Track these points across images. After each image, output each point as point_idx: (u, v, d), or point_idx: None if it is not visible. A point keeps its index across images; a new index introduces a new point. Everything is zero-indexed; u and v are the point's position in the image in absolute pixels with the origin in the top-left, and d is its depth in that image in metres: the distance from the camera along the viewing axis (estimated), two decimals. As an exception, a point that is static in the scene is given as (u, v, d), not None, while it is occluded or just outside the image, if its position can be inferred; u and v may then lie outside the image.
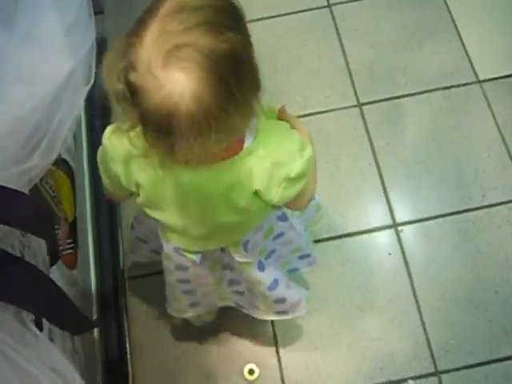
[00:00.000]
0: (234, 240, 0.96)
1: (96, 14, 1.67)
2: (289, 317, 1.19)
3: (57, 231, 1.20)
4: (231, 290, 1.15)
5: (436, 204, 1.49)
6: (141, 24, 0.66)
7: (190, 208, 0.86)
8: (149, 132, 0.69)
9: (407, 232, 1.46)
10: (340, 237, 1.46)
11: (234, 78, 0.65)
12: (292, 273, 1.24)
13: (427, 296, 1.40)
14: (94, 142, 1.53)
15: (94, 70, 0.90)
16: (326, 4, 1.74)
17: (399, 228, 1.46)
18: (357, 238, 1.46)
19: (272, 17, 1.73)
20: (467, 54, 1.67)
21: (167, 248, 0.98)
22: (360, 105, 1.61)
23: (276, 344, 1.36)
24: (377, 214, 1.49)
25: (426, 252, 1.45)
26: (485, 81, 1.63)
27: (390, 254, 1.44)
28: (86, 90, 0.89)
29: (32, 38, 0.81)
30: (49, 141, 0.80)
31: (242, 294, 1.15)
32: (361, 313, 1.38)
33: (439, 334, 1.36)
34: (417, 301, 1.39)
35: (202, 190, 0.83)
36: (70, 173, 1.33)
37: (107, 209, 1.49)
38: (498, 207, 1.48)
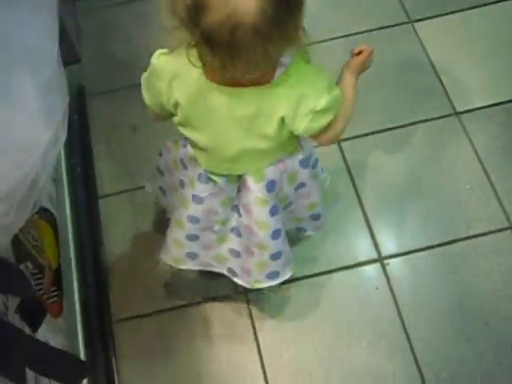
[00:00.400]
0: (259, 167, 1.03)
1: (73, 63, 1.75)
2: (277, 281, 1.21)
3: (41, 280, 1.20)
4: (229, 248, 1.19)
5: (421, 236, 1.49)
6: None
7: (221, 128, 0.94)
8: (207, 49, 0.79)
9: (393, 265, 1.46)
10: (325, 273, 1.46)
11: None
12: (299, 232, 1.32)
13: (417, 330, 1.38)
14: (76, 190, 1.55)
15: (66, 131, 0.92)
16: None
17: (385, 262, 1.46)
18: (343, 274, 1.45)
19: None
20: (444, 87, 1.71)
21: (192, 174, 1.07)
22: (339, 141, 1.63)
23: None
24: (362, 249, 1.49)
25: (414, 285, 1.44)
26: (462, 112, 1.66)
27: (377, 288, 1.43)
28: (57, 149, 0.90)
29: (6, 103, 0.82)
30: (24, 199, 0.82)
31: (238, 254, 1.19)
32: (350, 349, 1.37)
33: (431, 367, 1.34)
34: (407, 334, 1.38)
35: (234, 112, 0.91)
36: (52, 221, 1.35)
37: (91, 254, 1.49)
38: (483, 237, 1.48)
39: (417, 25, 1.82)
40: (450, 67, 1.74)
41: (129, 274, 1.48)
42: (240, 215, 1.12)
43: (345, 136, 1.62)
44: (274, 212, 1.09)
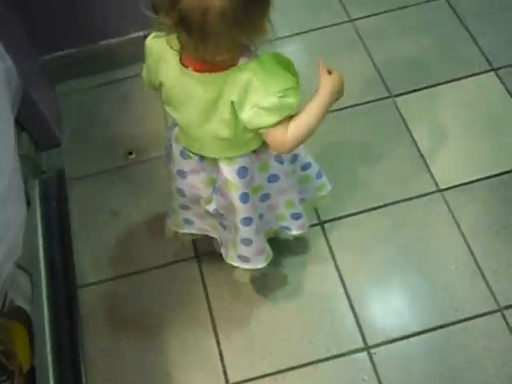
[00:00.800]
0: (227, 156, 1.13)
1: (52, 147, 1.75)
2: (249, 266, 1.30)
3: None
4: (218, 221, 1.30)
5: (408, 322, 1.45)
6: None
7: (191, 110, 1.05)
8: (183, 32, 0.89)
9: (381, 354, 1.41)
10: (312, 363, 1.41)
11: None
12: (286, 231, 1.37)
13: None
14: (55, 281, 1.52)
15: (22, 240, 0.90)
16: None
17: (372, 351, 1.41)
18: (329, 364, 1.40)
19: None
20: (426, 165, 1.69)
21: (176, 149, 1.19)
22: (322, 222, 1.61)
23: None
24: (347, 338, 1.43)
25: (402, 375, 1.38)
26: (446, 189, 1.64)
27: (364, 379, 1.38)
28: (13, 259, 0.88)
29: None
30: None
31: (225, 228, 1.30)
32: None
33: None
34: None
35: (201, 96, 1.01)
36: (26, 321, 1.31)
37: (69, 351, 1.44)
38: (473, 321, 1.44)
39: (398, 99, 1.83)
40: (431, 143, 1.74)
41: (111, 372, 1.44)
42: (221, 196, 1.21)
43: (328, 217, 1.60)
44: (244, 199, 1.17)
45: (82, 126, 1.84)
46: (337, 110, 1.75)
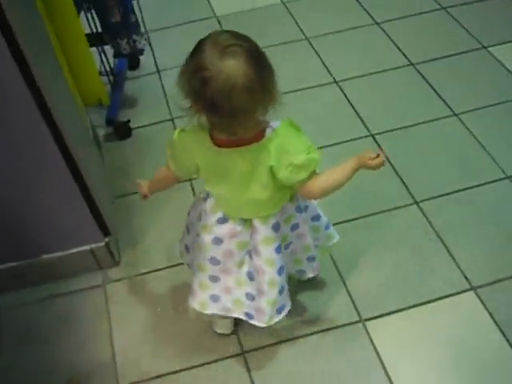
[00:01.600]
0: (264, 214, 1.29)
1: None
2: (284, 313, 1.43)
3: None
4: (245, 292, 1.39)
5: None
6: (196, 51, 1.05)
7: (232, 182, 1.22)
8: (213, 114, 1.07)
9: None
10: None
11: (264, 65, 1.06)
12: (301, 274, 1.55)
13: None
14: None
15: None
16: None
17: None
18: None
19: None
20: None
21: (213, 218, 1.31)
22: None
23: None
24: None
25: None
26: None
27: None
28: None
29: None
30: None
31: (253, 298, 1.39)
32: None
33: None
34: None
35: (239, 167, 1.18)
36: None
37: None
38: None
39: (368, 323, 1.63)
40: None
41: None
42: (252, 258, 1.34)
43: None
44: (278, 250, 1.34)
45: (19, 345, 1.67)
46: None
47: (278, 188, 1.22)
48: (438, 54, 2.47)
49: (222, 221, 1.30)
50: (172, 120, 2.31)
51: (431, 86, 2.33)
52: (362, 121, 2.21)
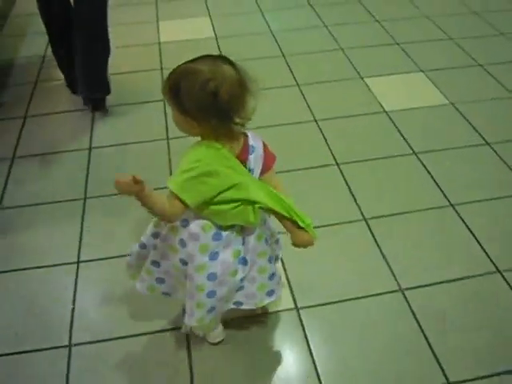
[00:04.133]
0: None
1: None
2: (274, 298, 1.49)
3: None
4: (239, 286, 1.43)
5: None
6: (190, 75, 1.16)
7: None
8: (224, 121, 1.18)
9: None
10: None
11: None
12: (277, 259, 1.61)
13: None
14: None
15: None
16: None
17: None
18: None
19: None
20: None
21: (207, 237, 1.31)
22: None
23: None
24: None
25: None
26: None
27: None
28: None
29: None
30: None
31: (241, 288, 1.44)
32: None
33: None
34: None
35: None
36: None
37: None
38: None
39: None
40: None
41: None
42: (246, 263, 1.39)
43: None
44: (267, 242, 1.44)
45: None
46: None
47: None
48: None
49: (217, 236, 1.32)
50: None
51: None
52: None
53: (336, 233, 1.94)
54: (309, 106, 2.63)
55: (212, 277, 1.34)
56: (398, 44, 3.18)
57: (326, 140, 2.40)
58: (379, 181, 2.19)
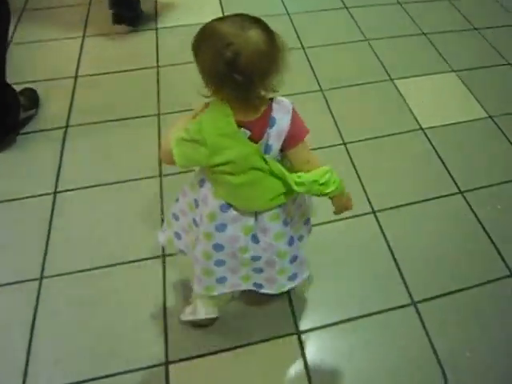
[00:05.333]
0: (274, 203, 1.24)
1: None
2: (298, 281, 1.41)
3: None
4: (253, 268, 1.35)
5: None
6: (211, 34, 1.05)
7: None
8: (239, 90, 1.07)
9: None
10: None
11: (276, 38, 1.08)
12: (301, 240, 1.46)
13: None
14: None
15: None
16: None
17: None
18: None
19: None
20: None
21: (215, 205, 1.24)
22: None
23: None
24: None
25: None
26: None
27: None
28: None
29: None
30: None
31: (261, 270, 1.36)
32: None
33: None
34: None
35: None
36: None
37: None
38: None
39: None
40: None
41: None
42: (258, 242, 1.29)
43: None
44: (286, 223, 1.30)
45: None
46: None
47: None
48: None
49: (226, 208, 1.25)
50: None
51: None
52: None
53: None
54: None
55: (219, 247, 1.29)
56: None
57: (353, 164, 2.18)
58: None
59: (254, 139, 1.15)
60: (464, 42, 2.87)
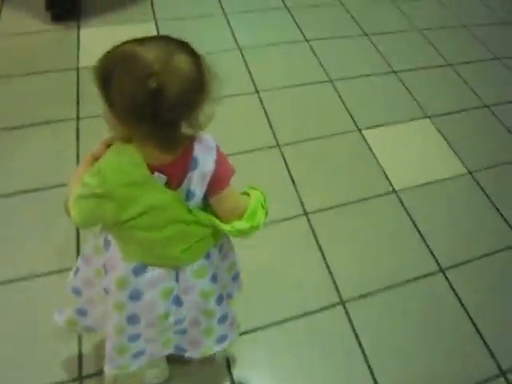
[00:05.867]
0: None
1: None
2: (226, 343, 1.25)
3: None
4: (175, 330, 1.19)
5: None
6: (127, 63, 0.87)
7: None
8: (165, 128, 0.90)
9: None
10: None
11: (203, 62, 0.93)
12: (228, 298, 1.31)
13: None
14: None
15: None
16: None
17: None
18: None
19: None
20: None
21: (126, 269, 1.06)
22: None
23: None
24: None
25: None
26: None
27: None
28: None
29: None
30: None
31: (184, 332, 1.20)
32: None
33: None
34: None
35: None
36: None
37: None
38: None
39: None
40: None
41: None
42: (181, 304, 1.13)
43: None
44: (214, 279, 1.14)
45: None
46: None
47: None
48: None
49: (140, 270, 1.06)
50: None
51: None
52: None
53: None
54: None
55: (133, 319, 1.12)
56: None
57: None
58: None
59: (172, 186, 0.98)
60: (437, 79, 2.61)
